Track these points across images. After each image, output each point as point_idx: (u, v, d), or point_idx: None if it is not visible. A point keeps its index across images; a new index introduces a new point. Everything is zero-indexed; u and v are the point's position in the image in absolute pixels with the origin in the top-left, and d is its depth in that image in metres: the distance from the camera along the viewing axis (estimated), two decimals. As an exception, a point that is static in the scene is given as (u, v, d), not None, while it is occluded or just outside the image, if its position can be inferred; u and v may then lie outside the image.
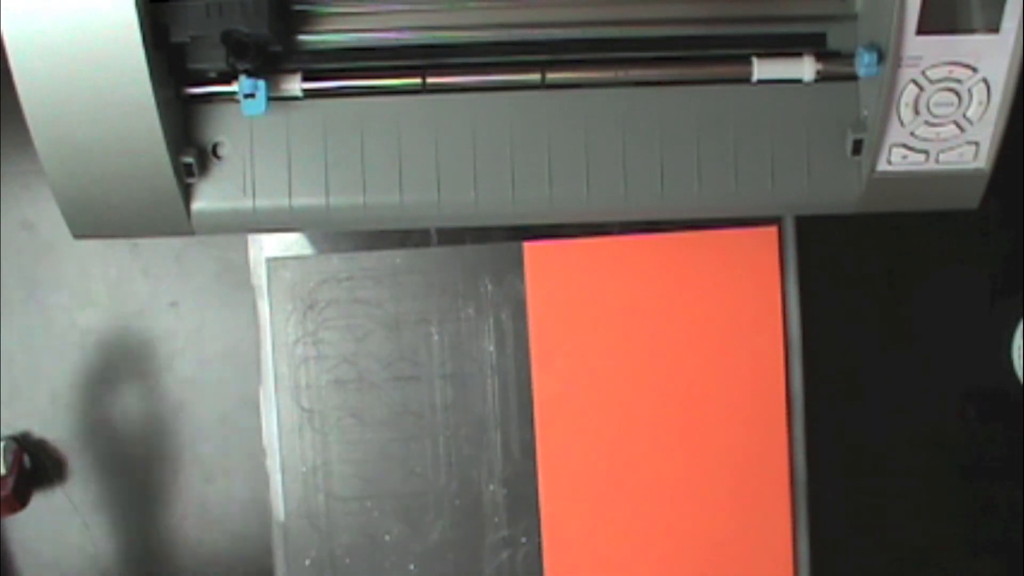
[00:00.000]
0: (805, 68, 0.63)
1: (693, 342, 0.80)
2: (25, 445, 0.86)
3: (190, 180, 0.64)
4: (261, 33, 0.61)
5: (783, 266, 0.80)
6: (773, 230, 0.79)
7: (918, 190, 0.65)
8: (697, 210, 0.66)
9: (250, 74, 0.61)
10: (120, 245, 0.85)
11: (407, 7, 0.64)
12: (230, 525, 0.87)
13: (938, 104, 0.62)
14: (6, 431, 0.86)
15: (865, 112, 0.64)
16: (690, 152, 0.64)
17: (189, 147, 0.64)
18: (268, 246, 0.80)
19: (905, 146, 0.64)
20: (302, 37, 0.64)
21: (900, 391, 0.87)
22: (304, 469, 0.80)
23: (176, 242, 0.85)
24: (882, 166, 0.64)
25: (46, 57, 0.59)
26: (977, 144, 0.63)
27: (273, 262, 0.80)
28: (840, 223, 0.69)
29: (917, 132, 0.63)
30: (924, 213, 0.66)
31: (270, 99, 0.62)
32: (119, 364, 0.87)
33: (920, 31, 0.60)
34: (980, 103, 0.62)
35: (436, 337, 0.80)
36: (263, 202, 0.65)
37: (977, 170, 0.64)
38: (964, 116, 0.63)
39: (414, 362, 0.80)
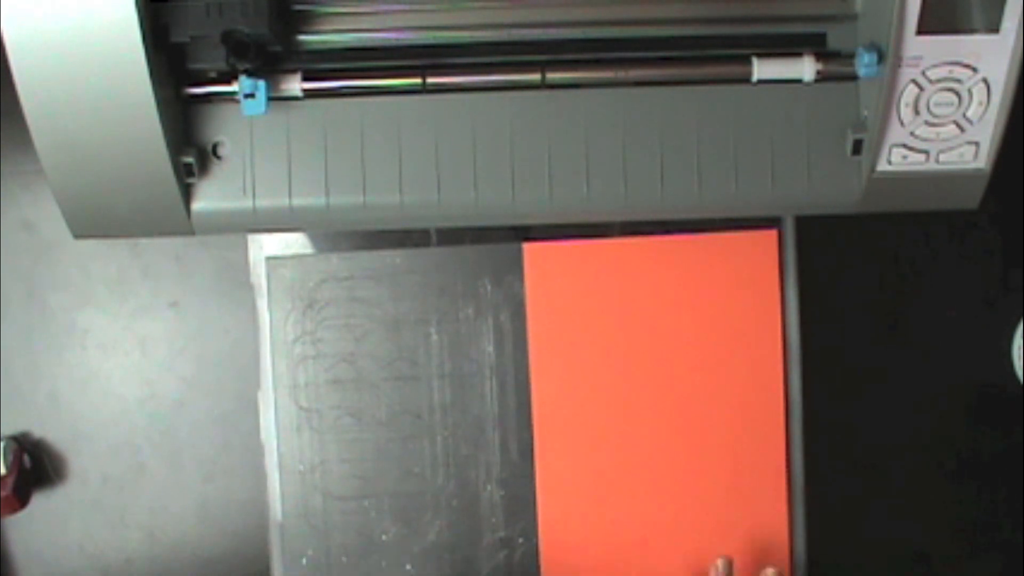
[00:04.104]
0: (805, 68, 0.63)
1: (692, 344, 0.80)
2: (25, 445, 0.86)
3: (190, 180, 0.64)
4: (261, 33, 0.61)
5: (783, 269, 0.80)
6: (773, 233, 0.79)
7: (918, 190, 0.65)
8: (697, 210, 0.66)
9: (250, 74, 0.61)
10: (120, 245, 0.85)
11: (407, 7, 0.64)
12: (229, 524, 0.87)
13: (938, 104, 0.62)
14: (6, 431, 0.86)
15: (865, 112, 0.64)
16: (690, 152, 0.64)
17: (189, 147, 0.64)
18: (268, 245, 0.80)
19: (905, 146, 0.64)
20: (302, 37, 0.64)
21: (900, 391, 0.87)
22: (302, 468, 0.80)
23: (176, 242, 0.85)
24: (882, 166, 0.64)
25: (46, 57, 0.59)
26: (977, 144, 0.64)
27: (272, 261, 0.80)
28: (840, 223, 0.69)
29: (917, 132, 0.63)
30: (924, 213, 0.66)
31: (270, 99, 0.62)
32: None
33: (920, 31, 0.60)
34: (980, 103, 0.62)
35: (435, 337, 0.80)
36: (263, 202, 0.65)
37: (977, 170, 0.64)
38: (964, 116, 0.63)
39: (413, 362, 0.80)
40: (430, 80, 0.64)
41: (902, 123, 0.63)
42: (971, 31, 0.60)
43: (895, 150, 0.64)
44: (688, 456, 0.80)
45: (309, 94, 0.64)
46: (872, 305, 0.87)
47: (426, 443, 0.81)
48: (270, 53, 0.62)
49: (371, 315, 0.80)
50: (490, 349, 0.80)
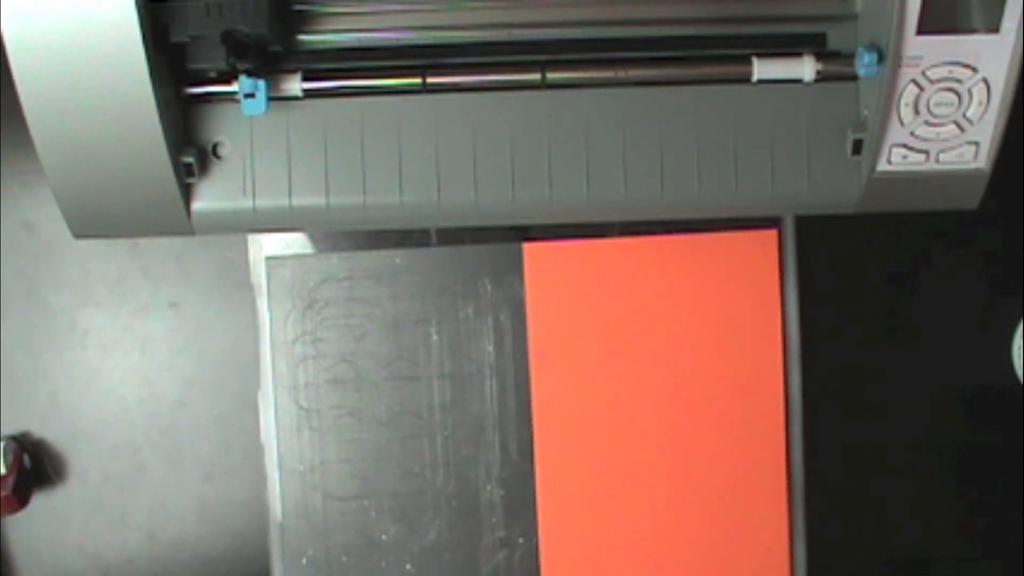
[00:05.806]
0: (805, 68, 0.63)
1: (692, 345, 0.80)
2: (25, 445, 0.86)
3: (190, 180, 0.64)
4: (261, 33, 0.61)
5: (782, 269, 0.80)
6: (773, 233, 0.79)
7: (918, 190, 0.65)
8: (697, 210, 0.66)
9: (250, 74, 0.61)
10: (120, 245, 0.85)
11: (407, 7, 0.64)
12: (229, 524, 0.87)
13: (938, 104, 0.62)
14: (6, 431, 0.86)
15: (865, 112, 0.64)
16: (690, 152, 0.64)
17: (189, 147, 0.64)
18: (268, 245, 0.80)
19: (905, 146, 0.64)
20: (302, 37, 0.64)
21: (900, 391, 0.87)
22: (302, 468, 0.80)
23: (176, 242, 0.85)
24: (882, 166, 0.64)
25: (46, 57, 0.59)
26: (977, 144, 0.64)
27: (272, 261, 0.80)
28: (840, 223, 0.69)
29: (917, 132, 0.63)
30: (924, 213, 0.66)
31: (270, 99, 0.62)
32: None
33: (920, 31, 0.60)
34: (980, 103, 0.62)
35: (435, 337, 0.80)
36: (263, 202, 0.65)
37: (977, 170, 0.64)
38: (964, 116, 0.63)
39: (413, 362, 0.80)
40: (430, 80, 0.64)
41: (902, 123, 0.63)
42: (971, 31, 0.60)
43: (895, 150, 0.64)
44: (688, 455, 0.80)
45: (309, 94, 0.64)
46: (872, 305, 0.87)
47: (426, 443, 0.81)
48: (270, 53, 0.62)
49: (371, 315, 0.80)
50: (490, 349, 0.80)
